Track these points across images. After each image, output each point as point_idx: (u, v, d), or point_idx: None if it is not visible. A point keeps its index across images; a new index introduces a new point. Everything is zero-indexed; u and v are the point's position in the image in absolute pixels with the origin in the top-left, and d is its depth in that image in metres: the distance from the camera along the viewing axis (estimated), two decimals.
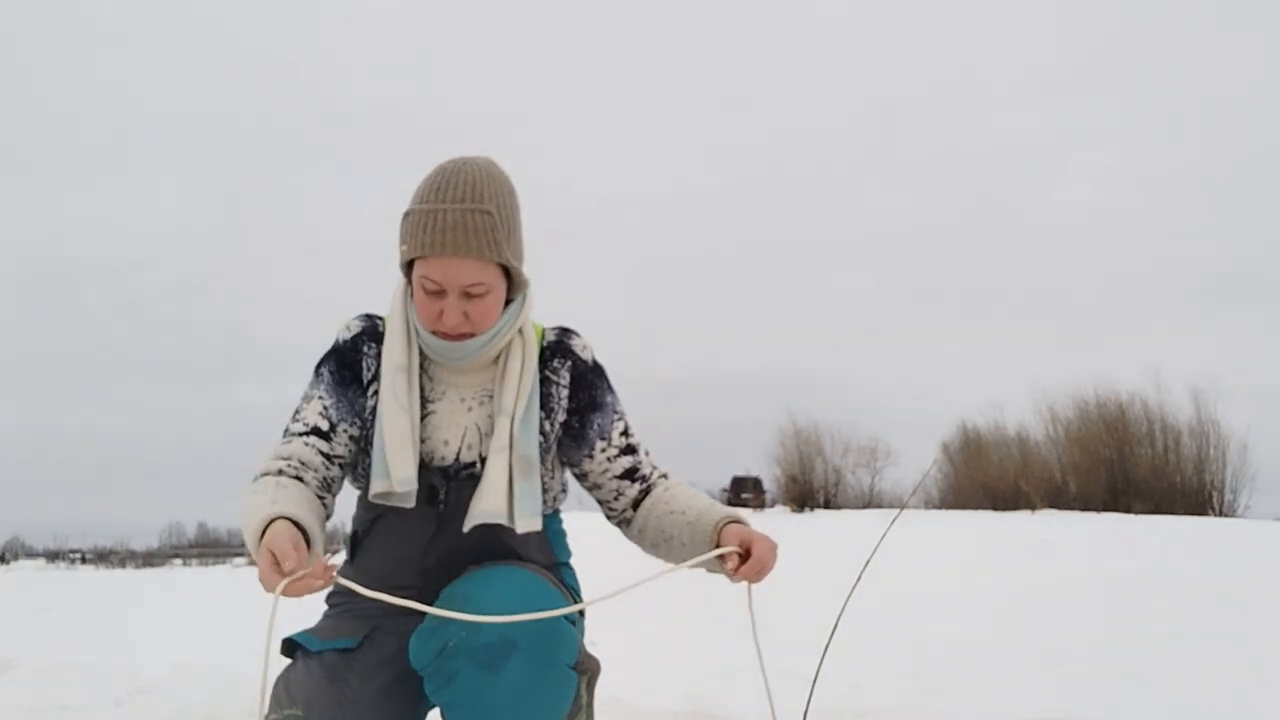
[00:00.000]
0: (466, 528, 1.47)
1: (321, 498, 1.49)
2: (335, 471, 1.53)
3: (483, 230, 1.44)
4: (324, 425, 1.52)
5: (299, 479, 1.46)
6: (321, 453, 1.51)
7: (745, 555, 1.45)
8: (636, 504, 1.62)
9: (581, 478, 1.66)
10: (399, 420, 1.49)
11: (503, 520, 1.47)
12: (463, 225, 1.43)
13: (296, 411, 1.55)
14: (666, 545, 1.58)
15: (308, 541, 1.31)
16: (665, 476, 1.65)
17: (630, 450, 1.63)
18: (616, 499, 1.63)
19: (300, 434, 1.51)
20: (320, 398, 1.54)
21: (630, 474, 1.62)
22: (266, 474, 1.45)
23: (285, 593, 1.23)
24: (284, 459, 1.48)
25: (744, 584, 1.47)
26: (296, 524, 1.31)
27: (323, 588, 1.27)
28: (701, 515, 1.54)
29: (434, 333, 1.50)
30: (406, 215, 1.48)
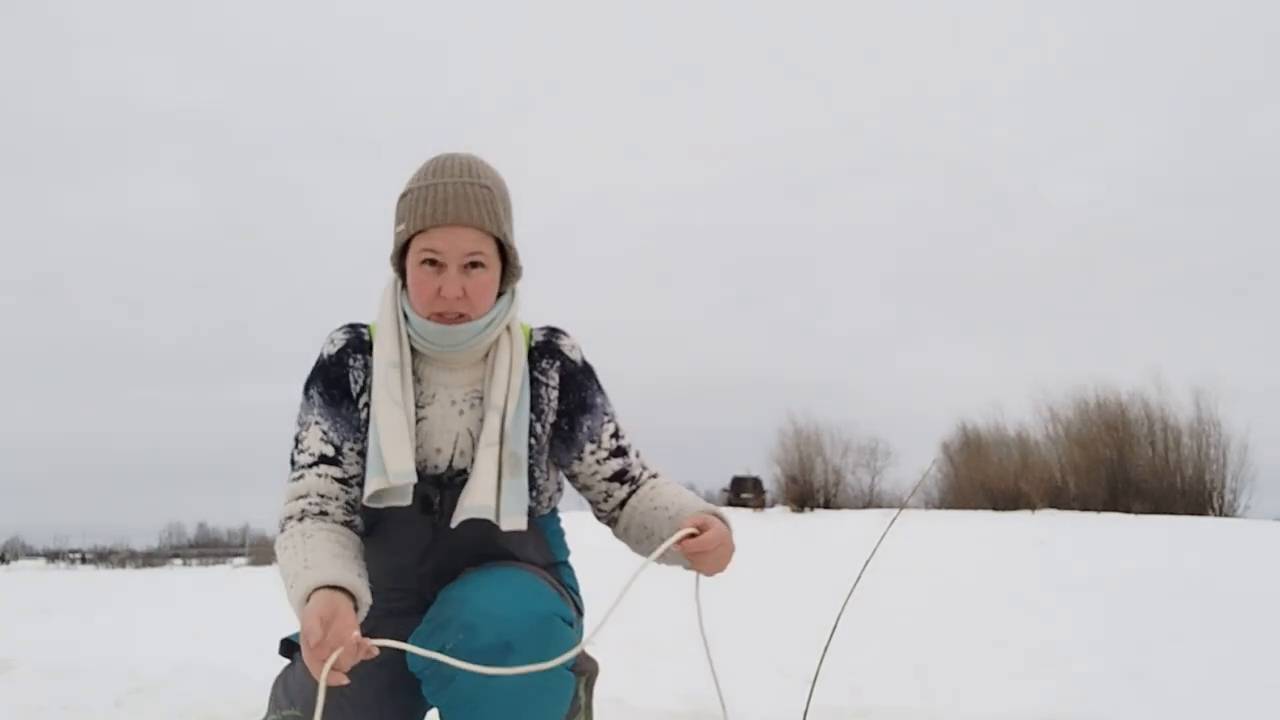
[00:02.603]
0: (455, 523, 1.46)
1: (349, 522, 1.49)
2: (355, 493, 1.51)
3: (483, 201, 1.46)
4: (330, 451, 1.50)
5: (323, 514, 1.45)
6: (336, 479, 1.49)
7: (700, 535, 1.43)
8: (624, 504, 1.61)
9: (571, 479, 1.65)
10: (394, 415, 1.47)
11: (489, 515, 1.46)
12: (464, 196, 1.45)
13: (298, 441, 1.53)
14: (649, 541, 1.56)
15: (354, 599, 1.32)
16: (655, 476, 1.64)
17: (620, 452, 1.61)
18: (605, 500, 1.62)
19: (309, 465, 1.49)
20: (318, 423, 1.52)
21: (619, 476, 1.60)
22: (290, 518, 1.44)
23: (330, 675, 1.23)
24: (302, 497, 1.46)
25: (694, 575, 1.46)
26: (336, 587, 1.31)
27: (365, 657, 1.27)
28: (682, 510, 1.52)
29: (430, 316, 1.50)
30: (404, 196, 1.49)
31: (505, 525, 1.47)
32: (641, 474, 1.62)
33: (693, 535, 1.43)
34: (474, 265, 1.47)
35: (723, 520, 1.49)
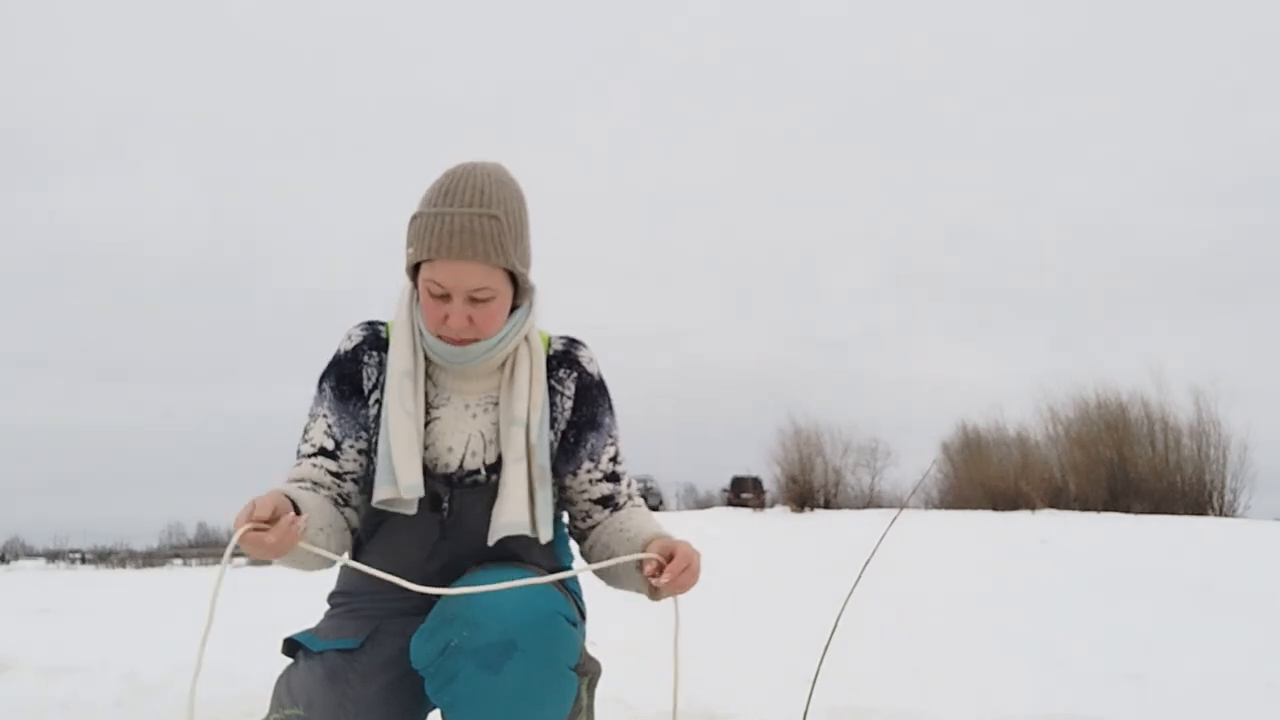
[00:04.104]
0: (491, 540, 1.48)
1: (340, 510, 1.50)
2: (349, 487, 1.53)
3: (490, 235, 1.44)
4: (329, 445, 1.52)
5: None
6: (330, 472, 1.51)
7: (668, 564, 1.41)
8: (596, 526, 1.62)
9: (559, 490, 1.65)
10: (405, 426, 1.49)
11: (525, 530, 1.48)
12: (470, 229, 1.43)
13: (305, 431, 1.55)
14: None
15: (298, 512, 1.34)
16: (633, 503, 1.64)
17: (613, 478, 1.62)
18: (584, 519, 1.62)
19: (308, 455, 1.52)
20: (324, 416, 1.55)
21: (605, 501, 1.61)
22: None
23: (244, 540, 1.24)
24: (296, 481, 1.48)
25: (669, 599, 1.45)
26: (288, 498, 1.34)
27: (284, 544, 1.27)
28: (640, 532, 1.52)
29: (439, 337, 1.51)
30: (414, 219, 1.48)
31: (543, 537, 1.50)
32: (625, 504, 1.62)
33: (659, 561, 1.41)
34: (480, 299, 1.47)
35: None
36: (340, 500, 1.51)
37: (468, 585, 1.41)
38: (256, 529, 1.25)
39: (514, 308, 1.55)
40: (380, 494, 1.48)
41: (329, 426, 1.54)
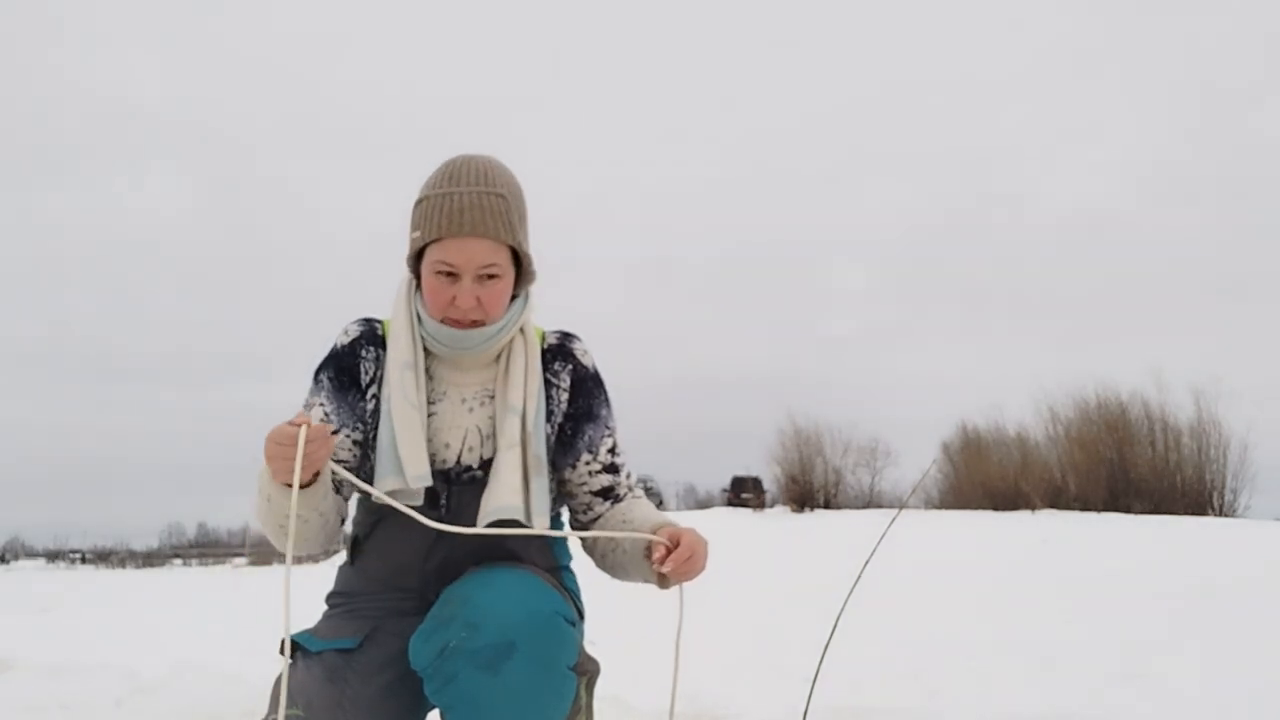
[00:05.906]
0: (481, 524, 1.47)
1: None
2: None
3: (498, 212, 1.47)
4: None
5: None
6: None
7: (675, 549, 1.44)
8: (598, 519, 1.62)
9: (559, 484, 1.65)
10: (410, 417, 1.49)
11: (519, 515, 1.47)
12: (479, 206, 1.46)
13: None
14: (613, 554, 1.58)
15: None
16: (634, 494, 1.64)
17: (612, 469, 1.62)
18: (585, 512, 1.63)
19: None
20: (321, 404, 1.55)
21: (605, 492, 1.61)
22: None
23: (308, 438, 1.29)
24: None
25: (677, 586, 1.47)
26: None
27: (324, 451, 1.33)
28: (644, 522, 1.54)
29: (444, 320, 1.51)
30: (419, 203, 1.50)
31: (538, 526, 1.49)
32: (625, 495, 1.63)
33: (666, 545, 1.44)
34: (488, 276, 1.48)
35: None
36: (332, 486, 1.51)
37: (467, 587, 1.40)
38: (314, 426, 1.30)
39: (512, 298, 1.56)
40: (384, 486, 1.48)
41: (326, 414, 1.54)
